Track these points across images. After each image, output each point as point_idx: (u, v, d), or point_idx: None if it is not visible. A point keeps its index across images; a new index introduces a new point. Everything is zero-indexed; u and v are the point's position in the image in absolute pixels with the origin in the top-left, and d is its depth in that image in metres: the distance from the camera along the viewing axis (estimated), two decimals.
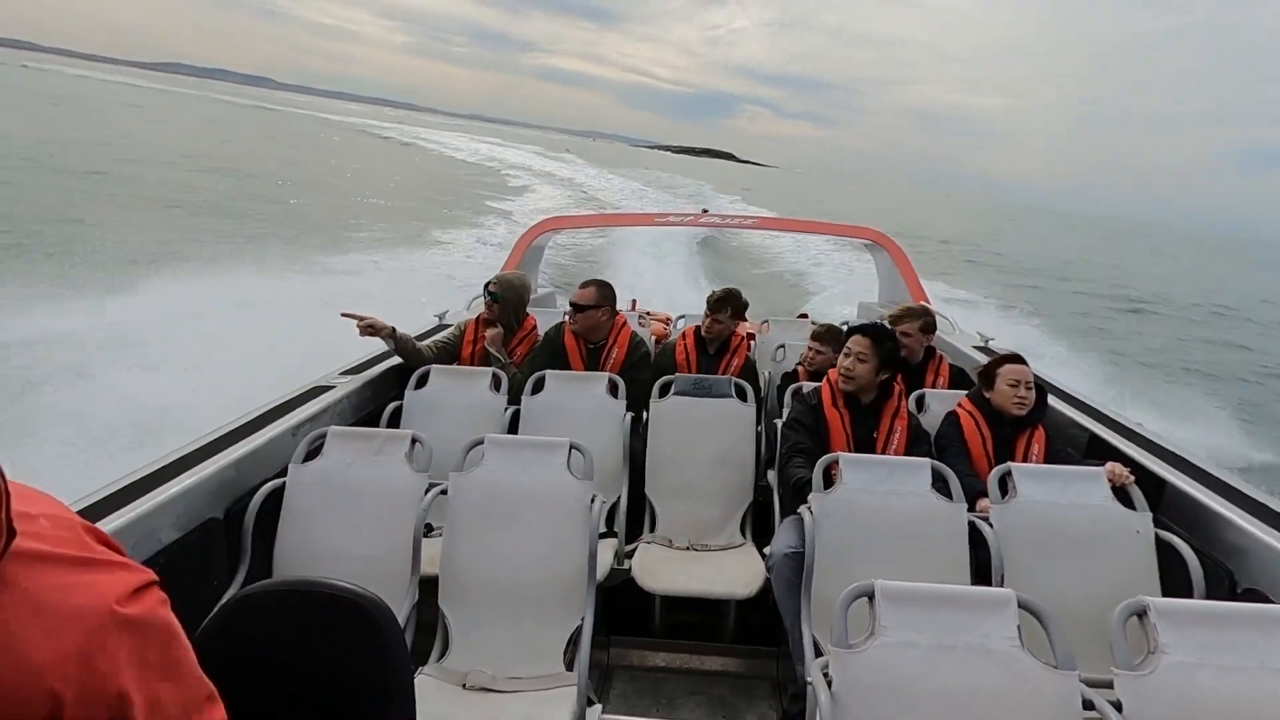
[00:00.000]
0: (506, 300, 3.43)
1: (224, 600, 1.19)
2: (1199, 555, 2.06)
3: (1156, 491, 2.38)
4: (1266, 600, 1.89)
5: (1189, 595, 1.98)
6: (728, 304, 3.69)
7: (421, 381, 3.13)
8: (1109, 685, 1.45)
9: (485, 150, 55.30)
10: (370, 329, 3.19)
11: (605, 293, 3.40)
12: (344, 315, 3.22)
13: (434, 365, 3.25)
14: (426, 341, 3.51)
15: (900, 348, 3.26)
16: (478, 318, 3.55)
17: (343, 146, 48.79)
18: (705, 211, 6.30)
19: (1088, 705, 1.44)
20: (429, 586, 2.16)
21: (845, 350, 2.67)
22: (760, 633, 2.60)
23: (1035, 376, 2.75)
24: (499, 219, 19.23)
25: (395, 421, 3.03)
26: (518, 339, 3.49)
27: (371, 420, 3.02)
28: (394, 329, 3.26)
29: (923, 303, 4.64)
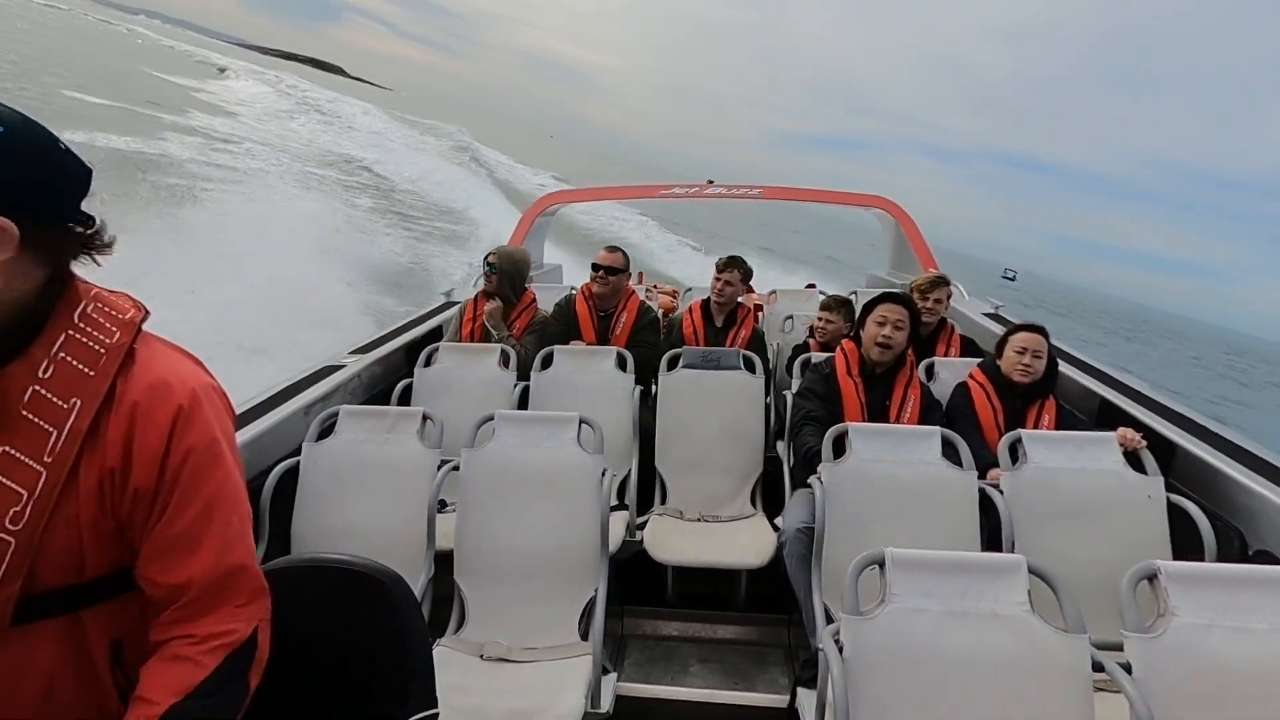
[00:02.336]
0: (504, 272, 3.44)
1: None
2: (1210, 518, 2.05)
3: (1168, 455, 2.37)
4: (1277, 562, 1.89)
5: (1200, 558, 1.98)
6: (736, 265, 3.69)
7: (430, 359, 3.15)
8: (1119, 648, 1.47)
9: None
10: None
11: (627, 258, 3.51)
12: None
13: (442, 343, 3.27)
14: (448, 334, 3.57)
15: (928, 314, 3.30)
16: (477, 295, 3.56)
17: None
18: (710, 183, 6.22)
19: (1098, 668, 1.46)
20: (444, 561, 2.19)
21: (880, 319, 2.63)
22: (772, 601, 2.63)
23: (1050, 347, 2.73)
24: None
25: (406, 399, 3.05)
26: (516, 312, 3.50)
27: (382, 398, 3.04)
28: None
29: (937, 271, 4.60)
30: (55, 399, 0.86)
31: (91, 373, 0.88)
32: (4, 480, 0.84)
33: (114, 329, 0.91)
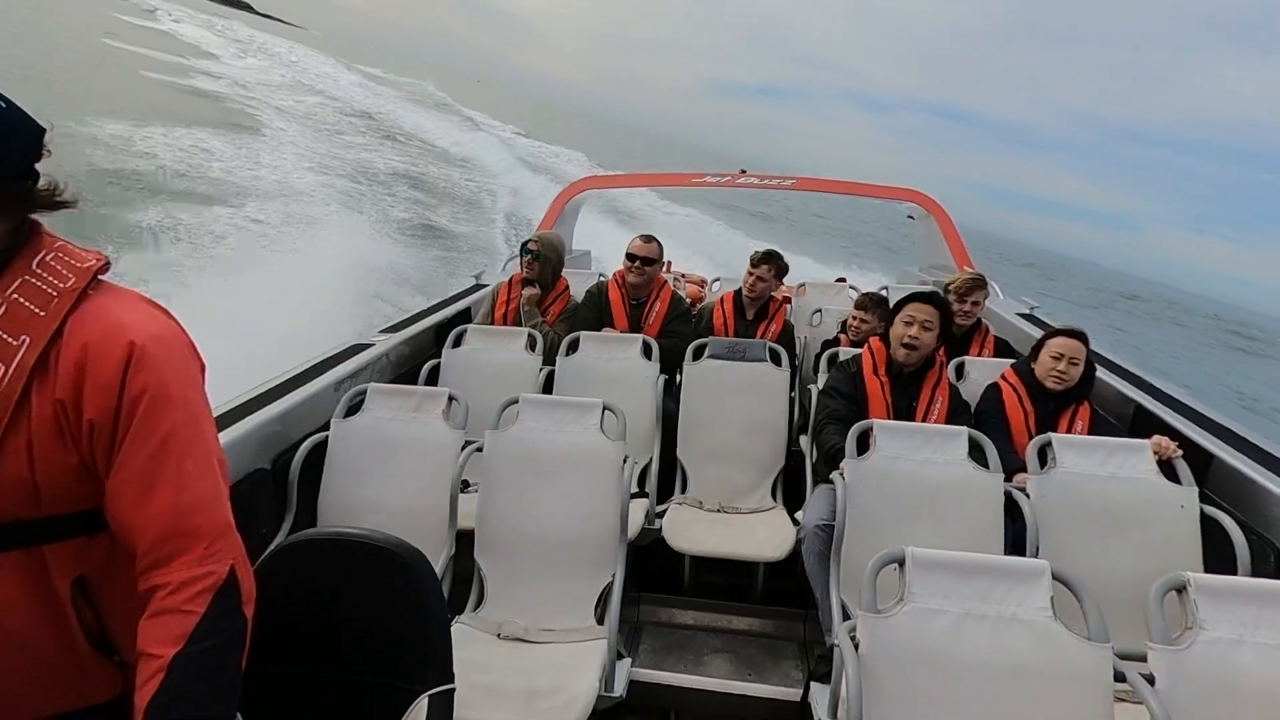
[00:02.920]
0: (546, 259, 3.45)
1: (270, 548, 1.25)
2: (1245, 531, 2.00)
3: (1204, 466, 2.30)
4: None
5: (1234, 572, 1.93)
6: (771, 261, 3.65)
7: (458, 340, 3.18)
8: (1144, 659, 1.44)
9: None
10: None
11: (662, 248, 3.49)
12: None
13: (470, 325, 3.30)
14: (479, 317, 3.61)
15: (964, 316, 3.23)
16: (510, 279, 3.58)
17: None
18: (743, 172, 6.16)
19: (1120, 678, 1.43)
20: (465, 540, 2.23)
21: (908, 318, 2.57)
22: (789, 595, 2.62)
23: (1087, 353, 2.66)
24: None
25: (433, 379, 3.09)
26: (551, 299, 3.51)
27: (410, 378, 3.08)
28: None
29: (971, 269, 4.51)
30: (5, 336, 0.91)
31: (42, 313, 0.93)
32: None
33: (69, 275, 0.96)
